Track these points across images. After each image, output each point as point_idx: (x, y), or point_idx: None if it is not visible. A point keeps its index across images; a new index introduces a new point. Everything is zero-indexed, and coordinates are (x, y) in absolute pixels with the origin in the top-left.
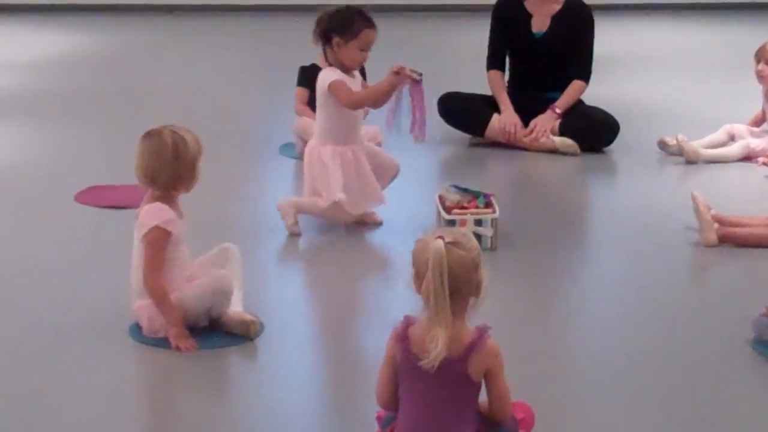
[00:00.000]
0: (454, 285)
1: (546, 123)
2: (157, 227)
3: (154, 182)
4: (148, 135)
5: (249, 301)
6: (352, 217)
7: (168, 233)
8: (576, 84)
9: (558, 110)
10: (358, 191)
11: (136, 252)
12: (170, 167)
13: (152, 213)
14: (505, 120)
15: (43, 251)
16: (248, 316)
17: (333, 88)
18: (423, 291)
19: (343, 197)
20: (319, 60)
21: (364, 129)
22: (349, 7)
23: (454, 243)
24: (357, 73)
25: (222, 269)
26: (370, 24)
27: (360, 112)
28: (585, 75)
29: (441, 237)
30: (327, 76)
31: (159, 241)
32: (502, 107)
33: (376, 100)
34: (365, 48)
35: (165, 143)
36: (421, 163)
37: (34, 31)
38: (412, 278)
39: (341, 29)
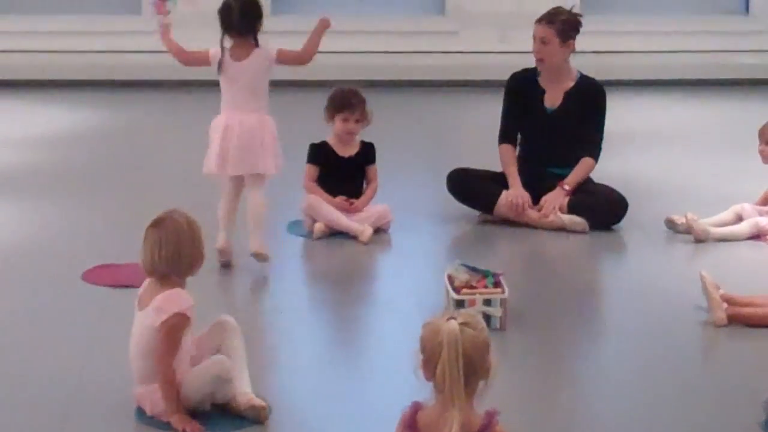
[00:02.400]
0: (468, 367)
1: (555, 200)
2: (179, 314)
3: (174, 270)
4: (159, 223)
5: (256, 380)
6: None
7: (188, 320)
8: (585, 161)
9: (567, 187)
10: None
11: (142, 337)
12: (189, 250)
13: (174, 299)
14: (513, 194)
15: (49, 332)
16: (258, 401)
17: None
18: (438, 374)
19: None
20: (330, 138)
21: (373, 208)
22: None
23: (465, 324)
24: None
25: (222, 346)
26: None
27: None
28: (595, 153)
29: (453, 318)
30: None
31: (179, 329)
32: (511, 182)
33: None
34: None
35: (181, 227)
36: (430, 241)
37: (37, 107)
38: (420, 364)
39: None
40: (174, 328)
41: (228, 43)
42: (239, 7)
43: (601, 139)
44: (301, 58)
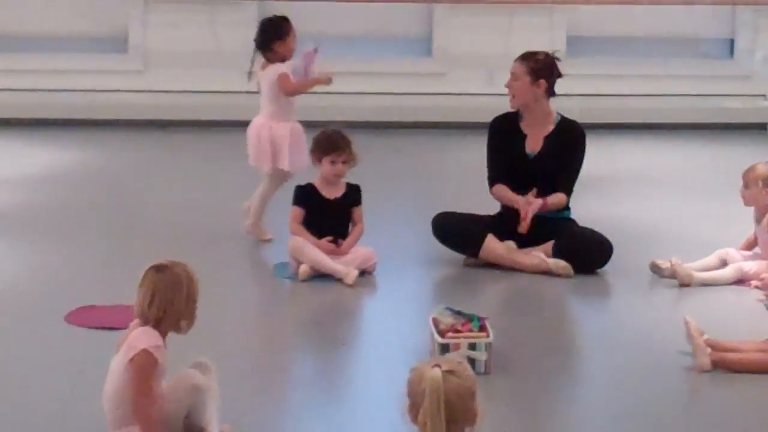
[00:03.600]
0: (451, 414)
1: (535, 207)
2: (146, 351)
3: (160, 321)
4: (160, 270)
5: (238, 421)
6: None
7: (155, 360)
8: (558, 195)
9: (547, 201)
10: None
11: (115, 377)
12: (181, 306)
13: (142, 336)
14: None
15: (31, 374)
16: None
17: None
18: (420, 421)
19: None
20: (316, 180)
21: (359, 250)
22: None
23: (450, 371)
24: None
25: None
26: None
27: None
28: (568, 191)
29: (438, 365)
30: None
31: (148, 367)
32: (516, 199)
33: None
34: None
35: (180, 282)
36: (415, 284)
37: (24, 147)
38: (407, 408)
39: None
40: (142, 365)
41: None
42: (260, 25)
43: (575, 179)
44: (286, 89)
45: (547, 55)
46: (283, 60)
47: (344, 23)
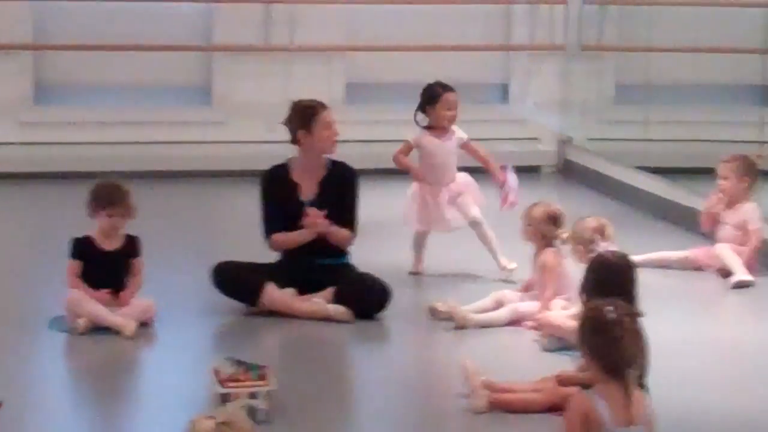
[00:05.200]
0: None
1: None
2: None
3: None
4: None
5: None
6: None
7: None
8: (345, 230)
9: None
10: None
11: None
12: None
13: None
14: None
15: None
16: None
17: None
18: None
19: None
20: (93, 232)
21: (137, 302)
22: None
23: (224, 423)
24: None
25: None
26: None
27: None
28: (353, 229)
29: (212, 417)
30: None
31: None
32: (297, 235)
33: None
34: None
35: None
36: (195, 334)
37: None
38: None
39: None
40: None
41: None
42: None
43: (356, 217)
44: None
45: (305, 103)
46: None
47: (122, 72)
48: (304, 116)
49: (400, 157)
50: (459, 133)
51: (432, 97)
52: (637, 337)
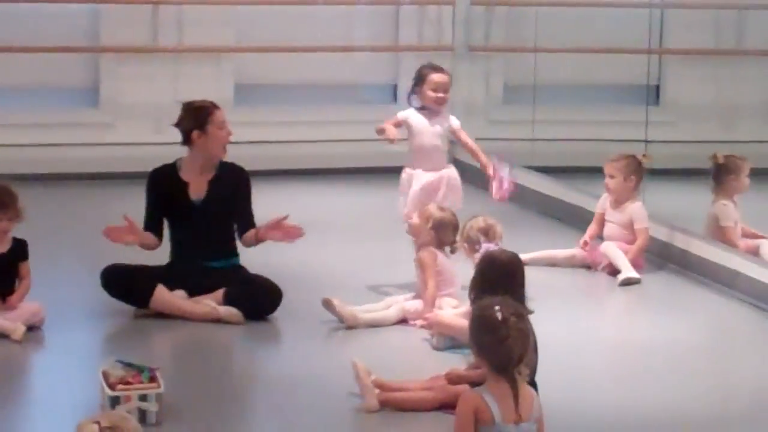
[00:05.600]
0: None
1: None
2: None
3: None
4: None
5: None
6: None
7: None
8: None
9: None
10: None
11: None
12: None
13: None
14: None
15: None
16: None
17: None
18: None
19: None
20: None
21: (26, 305)
22: None
23: (109, 427)
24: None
25: None
26: None
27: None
28: (254, 225)
29: (97, 422)
30: None
31: None
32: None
33: None
34: None
35: None
36: (85, 337)
37: None
38: None
39: None
40: None
41: None
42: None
43: (253, 216)
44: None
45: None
46: None
47: (7, 74)
48: (198, 116)
49: (384, 124)
50: (452, 120)
51: (419, 77)
52: (523, 336)
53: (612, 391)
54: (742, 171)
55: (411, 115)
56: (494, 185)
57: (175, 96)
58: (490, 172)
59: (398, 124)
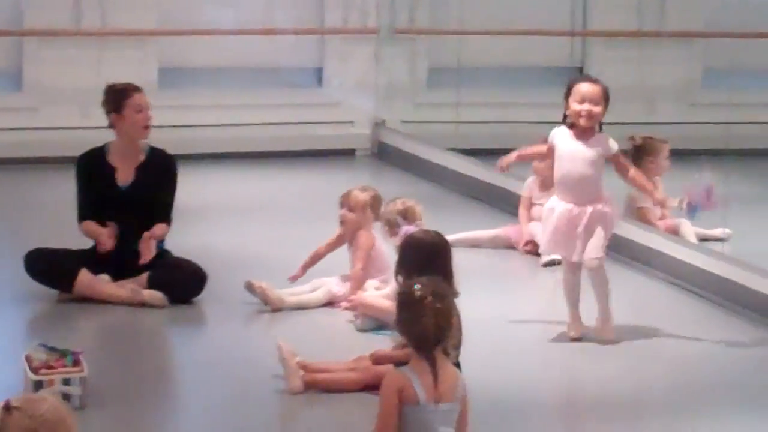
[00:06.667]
0: None
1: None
2: None
3: None
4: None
5: None
6: None
7: None
8: (162, 225)
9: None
10: None
11: None
12: None
13: None
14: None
15: None
16: None
17: None
18: None
19: None
20: None
21: None
22: None
23: (16, 408)
24: None
25: None
26: None
27: None
28: (168, 220)
29: (7, 402)
30: None
31: None
32: (100, 232)
33: None
34: None
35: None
36: (8, 322)
37: None
38: None
39: None
40: None
41: None
42: None
43: (172, 207)
44: None
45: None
46: None
47: None
48: (116, 99)
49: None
50: (610, 142)
51: (567, 88)
52: (440, 315)
53: (536, 370)
54: (661, 153)
55: (558, 134)
56: (700, 204)
57: (99, 79)
58: (683, 206)
59: (548, 149)
